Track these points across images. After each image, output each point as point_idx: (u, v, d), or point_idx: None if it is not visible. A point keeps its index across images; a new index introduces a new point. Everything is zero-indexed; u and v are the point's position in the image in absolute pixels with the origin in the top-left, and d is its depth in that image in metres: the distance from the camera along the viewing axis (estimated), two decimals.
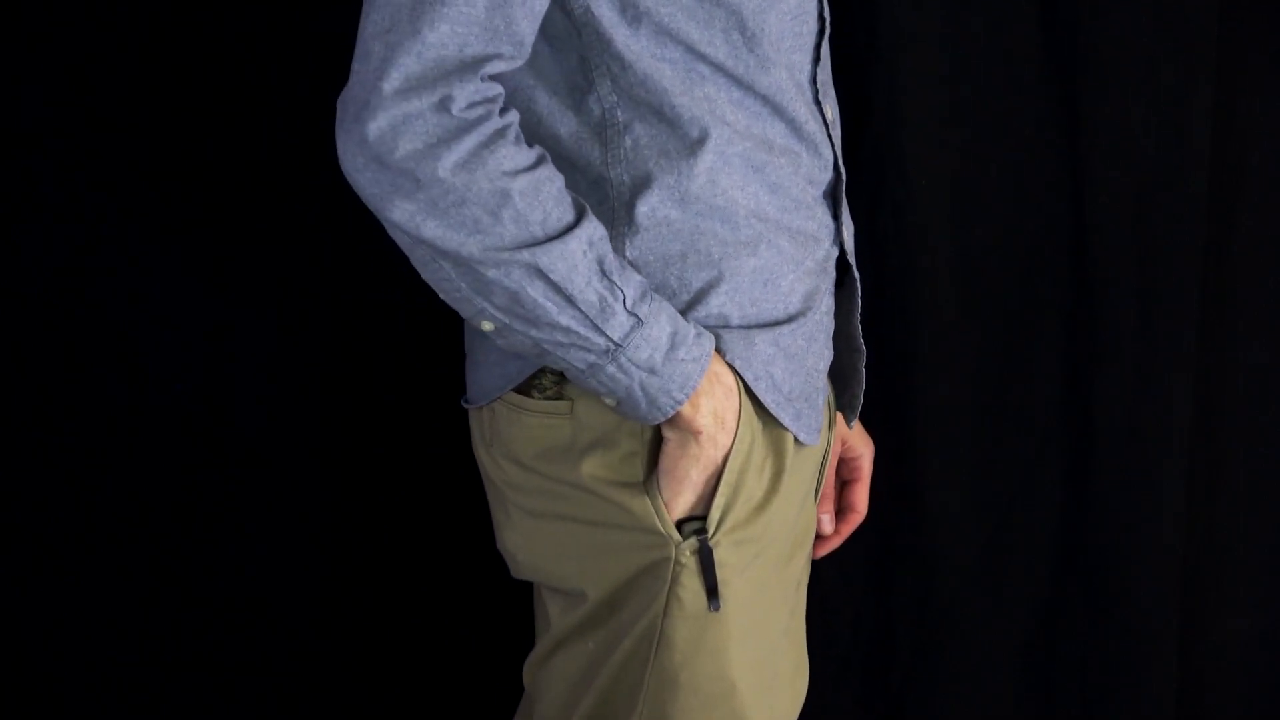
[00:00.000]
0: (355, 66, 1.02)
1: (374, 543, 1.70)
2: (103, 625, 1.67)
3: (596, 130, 1.11)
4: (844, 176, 1.24)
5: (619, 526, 1.14)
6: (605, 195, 1.12)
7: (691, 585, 1.13)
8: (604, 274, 1.05)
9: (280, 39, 1.55)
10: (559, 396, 1.15)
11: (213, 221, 1.61)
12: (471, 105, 1.01)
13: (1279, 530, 1.73)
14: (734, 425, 1.13)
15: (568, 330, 1.06)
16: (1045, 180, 1.66)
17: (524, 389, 1.16)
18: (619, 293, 1.06)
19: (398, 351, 1.61)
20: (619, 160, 1.12)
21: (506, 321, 1.06)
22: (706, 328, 1.13)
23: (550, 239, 1.04)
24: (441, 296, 1.08)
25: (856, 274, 1.27)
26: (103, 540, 1.65)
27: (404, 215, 1.02)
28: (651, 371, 1.07)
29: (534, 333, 1.06)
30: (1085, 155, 1.64)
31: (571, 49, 1.10)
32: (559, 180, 1.06)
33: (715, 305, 1.13)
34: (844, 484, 1.43)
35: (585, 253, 1.05)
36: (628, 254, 1.12)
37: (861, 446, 1.42)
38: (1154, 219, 1.64)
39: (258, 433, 1.65)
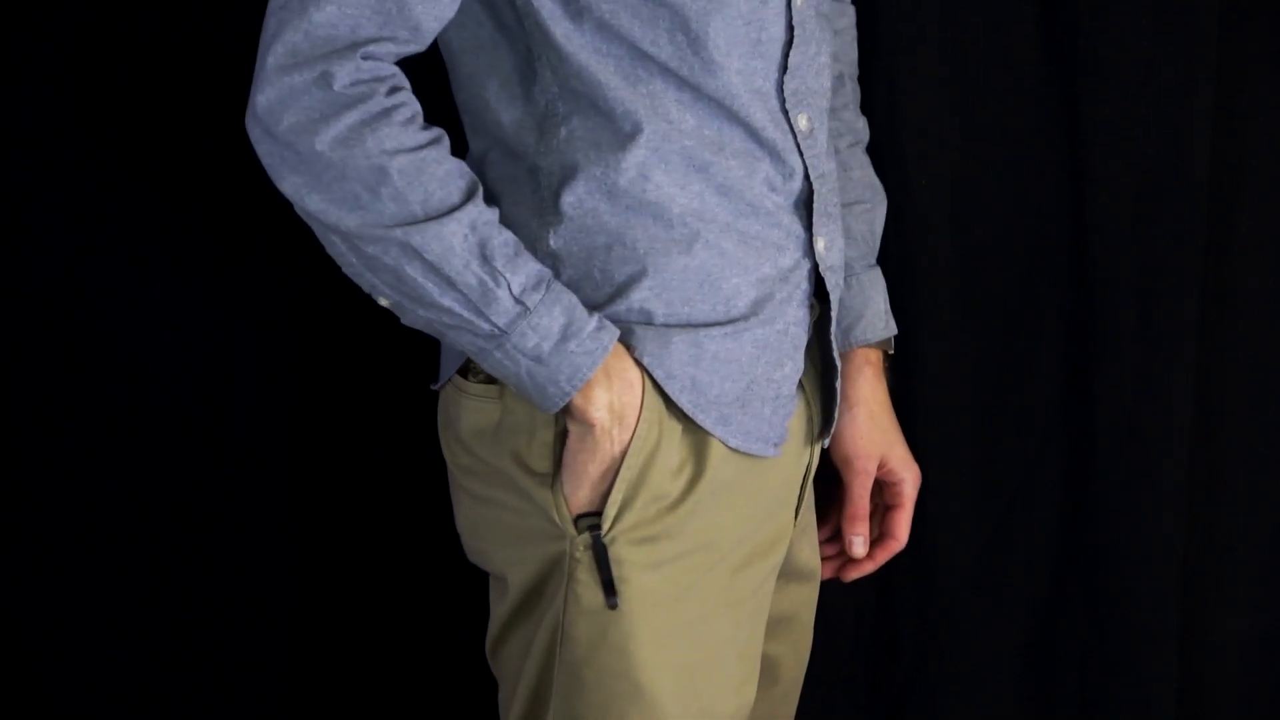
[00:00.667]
0: (259, 45, 1.05)
1: (371, 539, 1.70)
2: (101, 625, 1.67)
3: (539, 120, 1.12)
4: (817, 189, 1.21)
5: (530, 514, 1.15)
6: (537, 184, 1.13)
7: (588, 581, 1.14)
8: (485, 259, 1.06)
9: None
10: (491, 380, 1.16)
11: (211, 222, 1.61)
12: (356, 84, 1.03)
13: (1279, 530, 1.73)
14: (633, 421, 1.12)
15: (451, 312, 1.07)
16: (1045, 180, 1.66)
17: (464, 371, 1.18)
18: (501, 279, 1.06)
19: (396, 350, 1.61)
20: (551, 150, 1.12)
21: (397, 299, 1.09)
22: (627, 323, 1.13)
23: (429, 219, 1.05)
24: (343, 269, 1.10)
25: (833, 289, 1.25)
26: (101, 540, 1.65)
27: (291, 187, 1.06)
28: (538, 360, 1.08)
29: (421, 312, 1.08)
30: (1085, 155, 1.64)
31: (520, 39, 1.11)
32: (450, 164, 1.07)
33: (637, 300, 1.13)
34: (887, 509, 1.41)
35: (466, 236, 1.05)
36: (551, 243, 1.12)
37: (904, 471, 1.40)
38: (1154, 219, 1.64)
39: (253, 430, 1.65)
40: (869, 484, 1.39)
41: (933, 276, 1.67)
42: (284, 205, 1.46)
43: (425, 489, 1.64)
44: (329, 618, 1.71)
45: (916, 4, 1.61)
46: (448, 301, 1.07)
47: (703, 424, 1.15)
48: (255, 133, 1.06)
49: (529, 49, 1.11)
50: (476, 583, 1.35)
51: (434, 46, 1.18)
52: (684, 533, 1.16)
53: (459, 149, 1.15)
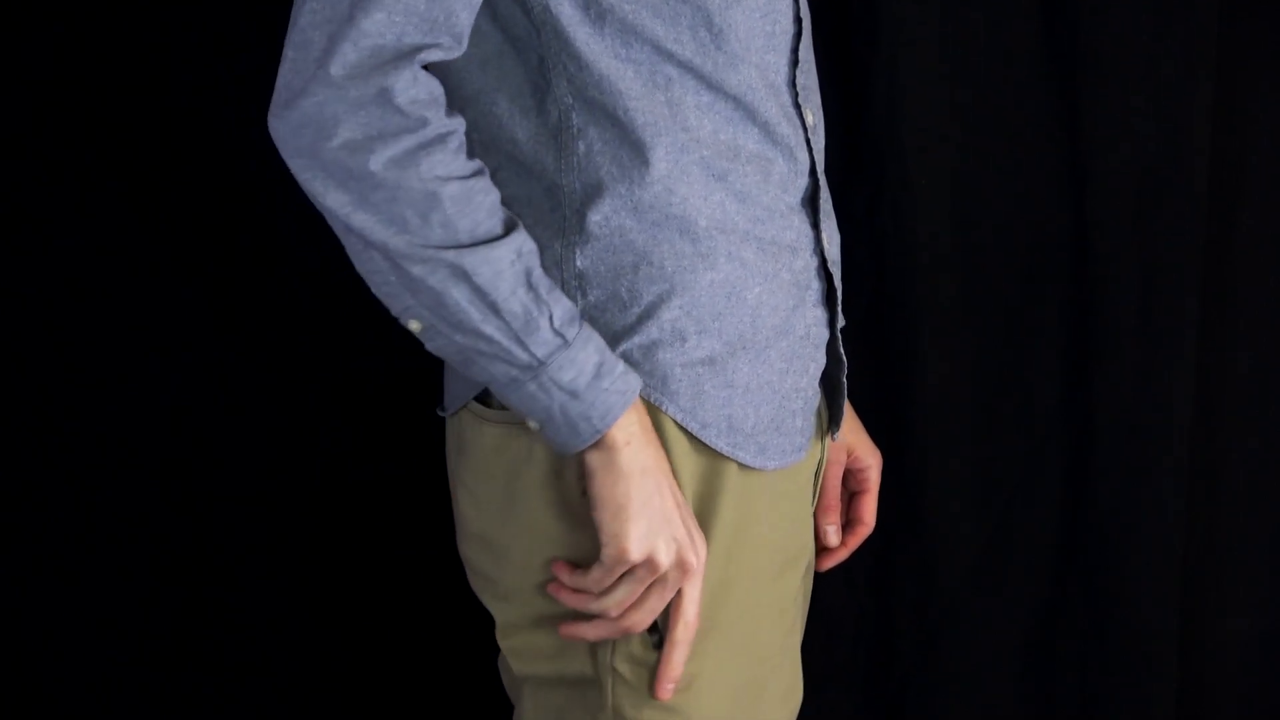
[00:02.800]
0: (290, 54, 1.01)
1: (370, 549, 1.70)
2: (103, 626, 1.68)
3: (553, 134, 1.10)
4: (823, 184, 1.22)
5: (567, 546, 1.12)
6: (558, 203, 1.11)
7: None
8: (530, 286, 1.04)
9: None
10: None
11: (211, 222, 1.61)
12: (415, 102, 1.01)
13: (1279, 530, 1.73)
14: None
15: (490, 340, 1.04)
16: (1045, 179, 1.66)
17: (484, 398, 1.15)
18: (545, 309, 1.04)
19: (397, 360, 1.61)
20: (572, 167, 1.10)
21: (433, 322, 1.05)
22: (661, 370, 1.11)
23: (477, 244, 1.03)
24: (373, 289, 1.07)
25: (839, 284, 1.25)
26: (101, 542, 1.66)
27: (337, 203, 1.02)
28: (574, 395, 1.05)
29: (458, 338, 1.05)
30: (1085, 153, 1.64)
31: (532, 49, 1.09)
32: (494, 195, 1.06)
33: (668, 320, 1.11)
34: (851, 496, 1.41)
35: (513, 262, 1.04)
36: (578, 263, 1.10)
37: (869, 458, 1.40)
38: (1154, 218, 1.64)
39: (254, 438, 1.66)
40: (840, 474, 1.39)
41: (933, 275, 1.67)
42: (295, 213, 1.47)
43: (422, 496, 1.65)
44: (326, 621, 1.71)
45: (917, 3, 1.61)
46: (489, 329, 1.04)
47: (743, 461, 1.14)
48: (295, 146, 1.02)
49: (541, 59, 1.09)
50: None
51: None
52: (728, 555, 1.14)
53: None
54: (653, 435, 1.09)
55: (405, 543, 1.68)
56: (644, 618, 1.09)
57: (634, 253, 1.11)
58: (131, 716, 1.70)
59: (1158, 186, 1.63)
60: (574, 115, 1.10)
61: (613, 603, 1.09)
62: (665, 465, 1.09)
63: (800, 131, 1.18)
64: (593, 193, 1.10)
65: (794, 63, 1.18)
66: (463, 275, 1.03)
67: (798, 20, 1.18)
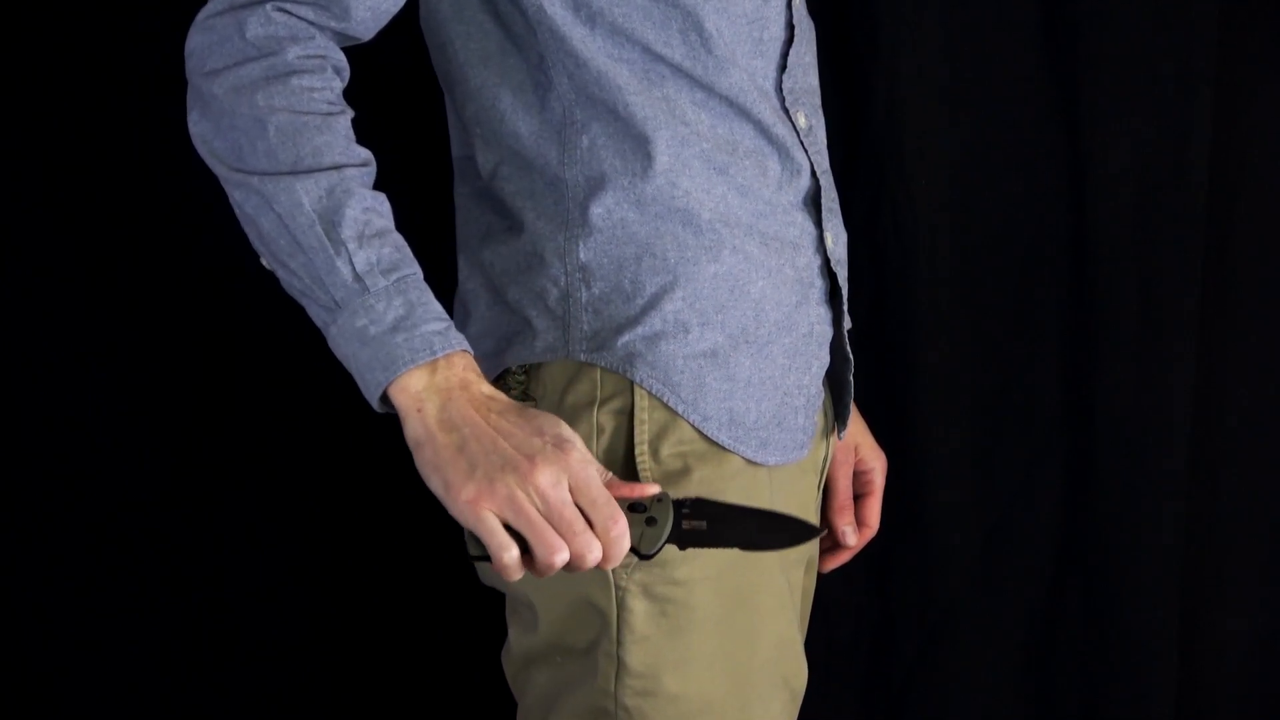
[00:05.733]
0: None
1: (371, 548, 1.70)
2: (99, 625, 1.67)
3: (556, 129, 1.11)
4: (826, 184, 1.22)
5: None
6: (561, 196, 1.12)
7: (639, 609, 1.11)
8: (332, 224, 1.01)
9: None
10: (525, 396, 1.14)
11: (211, 222, 1.61)
12: (267, 38, 1.03)
13: (1279, 530, 1.73)
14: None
15: (298, 275, 1.03)
16: (1045, 180, 1.66)
17: (499, 381, 1.15)
18: (343, 251, 1.01)
19: None
20: (575, 161, 1.11)
21: (266, 255, 1.05)
22: (665, 364, 1.10)
23: (282, 173, 1.02)
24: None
25: (843, 282, 1.25)
26: (99, 540, 1.65)
27: (192, 123, 1.06)
28: (364, 343, 1.01)
29: (281, 273, 1.05)
30: (1085, 155, 1.64)
31: (531, 47, 1.10)
32: (331, 138, 1.03)
33: (671, 311, 1.11)
34: (856, 498, 1.41)
35: (321, 198, 1.01)
36: (581, 256, 1.11)
37: (874, 460, 1.41)
38: (1154, 219, 1.64)
39: (258, 434, 1.66)
40: (850, 474, 1.40)
41: (933, 276, 1.67)
42: None
43: (431, 500, 1.64)
44: (328, 621, 1.71)
45: (917, 3, 1.61)
46: (295, 264, 1.02)
47: (744, 455, 1.14)
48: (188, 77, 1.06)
49: (541, 56, 1.10)
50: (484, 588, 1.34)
51: (424, 63, 1.19)
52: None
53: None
54: (472, 393, 1.00)
55: (407, 540, 1.68)
56: (587, 539, 0.98)
57: (636, 244, 1.11)
58: (131, 716, 1.70)
59: (1158, 187, 1.64)
60: (576, 111, 1.11)
61: (542, 554, 0.97)
62: (481, 417, 0.99)
63: (793, 133, 1.19)
64: (595, 185, 1.11)
65: (781, 68, 1.18)
66: (264, 202, 1.02)
67: (790, 27, 1.19)
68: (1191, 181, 1.63)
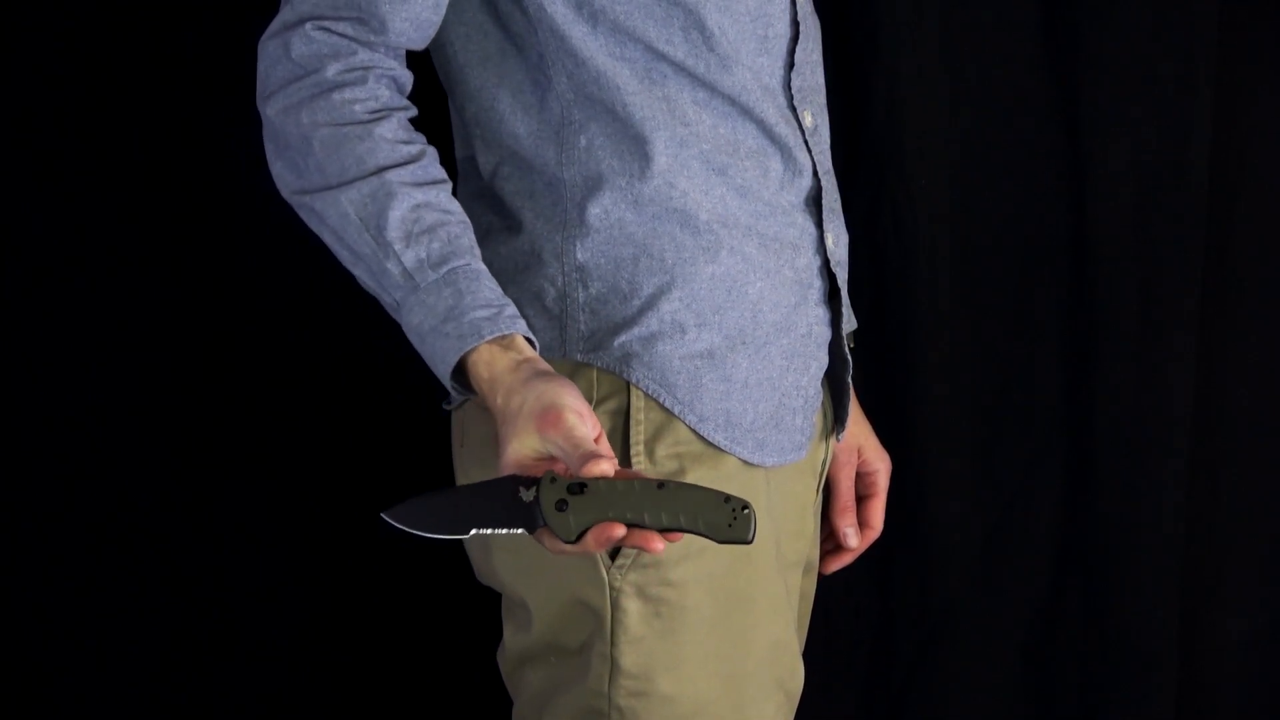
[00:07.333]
0: None
1: (376, 543, 1.69)
2: (99, 625, 1.67)
3: (555, 129, 1.11)
4: (827, 184, 1.22)
5: None
6: (559, 196, 1.12)
7: (633, 609, 1.11)
8: (378, 229, 1.04)
9: None
10: None
11: (212, 222, 1.61)
12: (309, 56, 1.05)
13: (1279, 530, 1.73)
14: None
15: (364, 282, 1.08)
16: (1045, 180, 1.66)
17: None
18: (390, 252, 1.04)
19: (398, 356, 1.61)
20: (573, 161, 1.11)
21: (340, 256, 1.08)
22: (662, 364, 1.11)
23: (329, 188, 1.05)
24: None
25: (843, 284, 1.25)
26: (99, 540, 1.65)
27: (268, 157, 1.10)
28: (421, 339, 1.05)
29: (358, 280, 1.08)
30: (1085, 155, 1.64)
31: (531, 47, 1.10)
32: (374, 143, 1.05)
33: (668, 312, 1.11)
34: (859, 500, 1.41)
35: (365, 204, 1.04)
36: (578, 256, 1.11)
37: (877, 461, 1.41)
38: (1154, 219, 1.64)
39: (258, 434, 1.66)
40: (853, 475, 1.40)
41: (933, 276, 1.67)
42: (284, 206, 1.47)
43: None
44: (332, 627, 1.71)
45: (917, 3, 1.61)
46: (359, 271, 1.07)
47: (741, 456, 1.14)
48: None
49: (541, 56, 1.10)
50: (482, 588, 1.35)
51: (430, 66, 1.19)
52: (728, 548, 1.14)
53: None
54: (514, 378, 1.01)
55: (406, 540, 1.68)
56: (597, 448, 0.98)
57: (634, 245, 1.11)
58: (131, 716, 1.70)
59: (1158, 187, 1.64)
60: (575, 111, 1.11)
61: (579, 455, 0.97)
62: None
63: (798, 133, 1.19)
64: (593, 186, 1.11)
65: (789, 66, 1.18)
66: (319, 218, 1.06)
67: (795, 24, 1.19)
68: (1191, 181, 1.62)
